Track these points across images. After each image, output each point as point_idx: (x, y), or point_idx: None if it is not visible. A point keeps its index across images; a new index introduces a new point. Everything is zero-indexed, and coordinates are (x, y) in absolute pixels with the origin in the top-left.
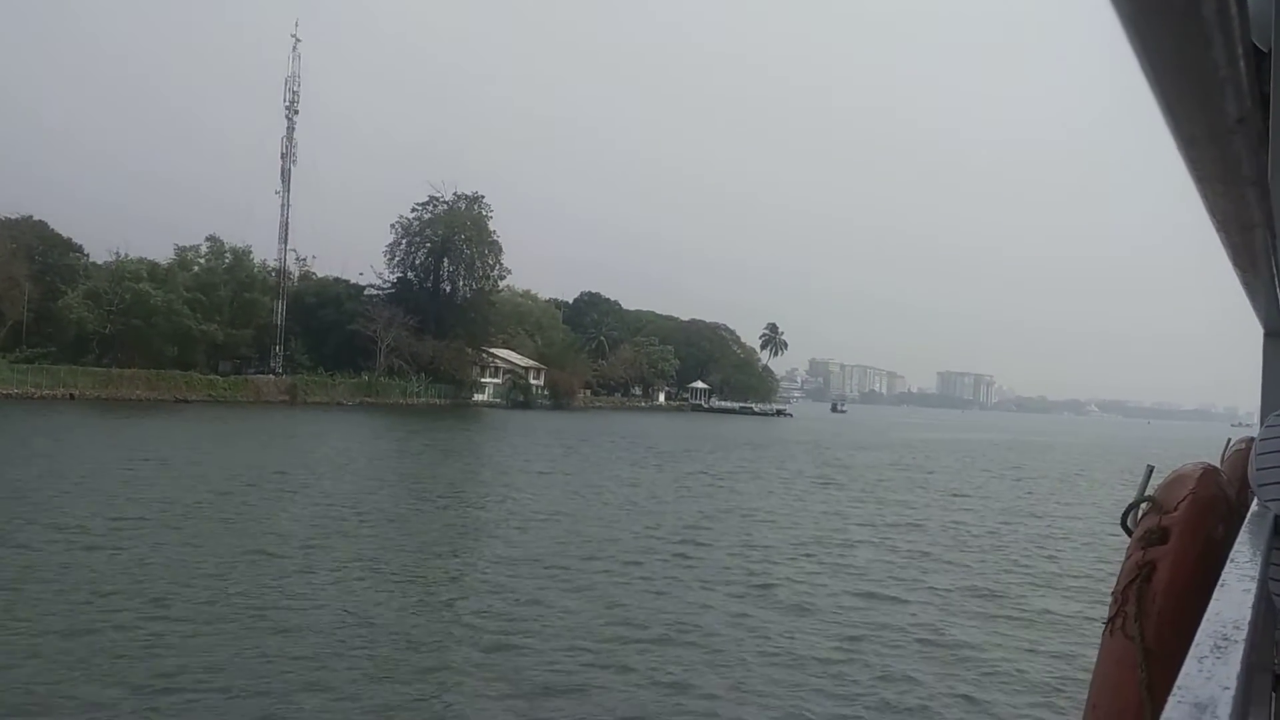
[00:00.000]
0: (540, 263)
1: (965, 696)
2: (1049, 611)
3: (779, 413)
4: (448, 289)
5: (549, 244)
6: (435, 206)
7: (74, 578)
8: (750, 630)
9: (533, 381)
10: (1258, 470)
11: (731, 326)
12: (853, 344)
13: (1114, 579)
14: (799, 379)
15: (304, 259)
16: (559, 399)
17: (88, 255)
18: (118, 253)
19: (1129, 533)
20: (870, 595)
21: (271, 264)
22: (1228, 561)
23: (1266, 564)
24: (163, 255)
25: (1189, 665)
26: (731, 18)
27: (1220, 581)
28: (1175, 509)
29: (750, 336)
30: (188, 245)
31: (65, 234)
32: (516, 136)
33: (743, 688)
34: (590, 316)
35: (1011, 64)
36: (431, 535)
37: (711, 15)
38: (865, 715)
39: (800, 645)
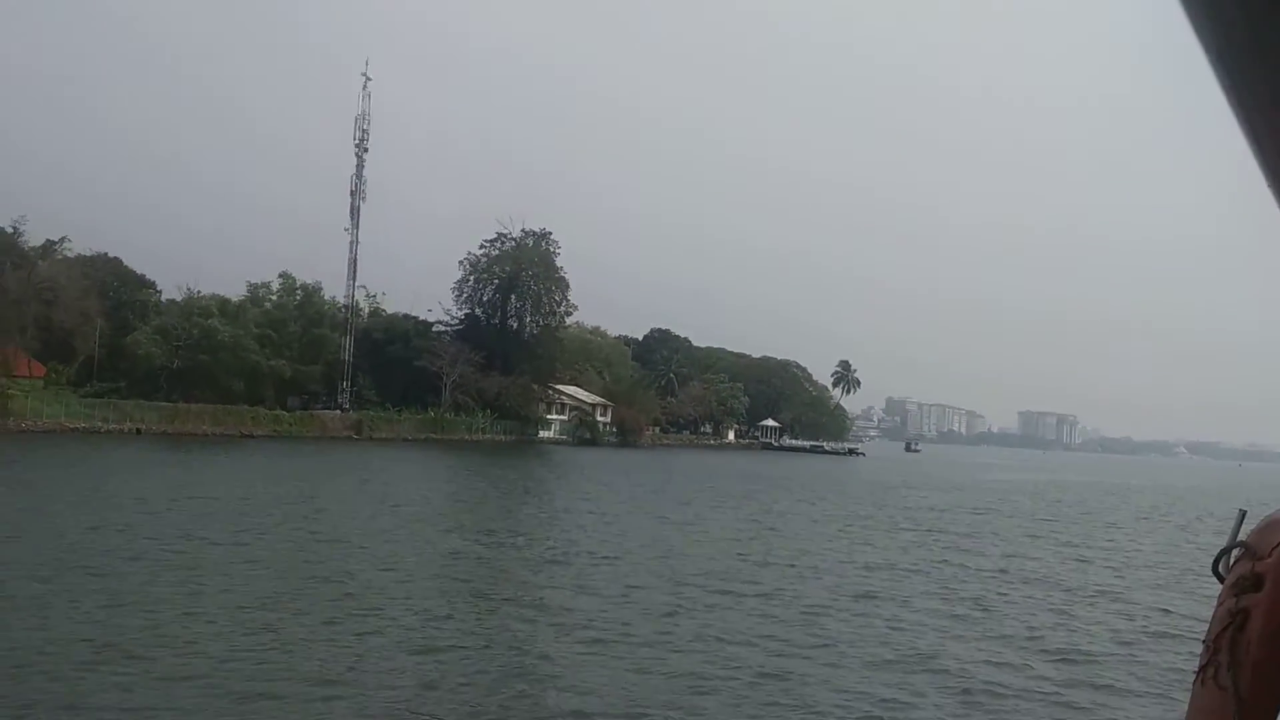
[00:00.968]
0: (611, 300)
1: None
2: (1136, 660)
3: (851, 451)
4: (515, 325)
5: (621, 281)
6: (503, 243)
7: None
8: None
9: (599, 418)
10: None
11: (804, 364)
12: (931, 382)
13: (1205, 627)
14: (875, 417)
15: (374, 295)
16: (626, 436)
17: (160, 292)
18: (189, 289)
19: (1221, 579)
20: (916, 652)
21: (342, 300)
22: None
23: None
24: (236, 292)
25: None
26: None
27: None
28: (1269, 555)
29: (823, 374)
30: (260, 282)
31: (140, 271)
32: (606, 158)
33: None
34: (660, 354)
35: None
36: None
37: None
38: None
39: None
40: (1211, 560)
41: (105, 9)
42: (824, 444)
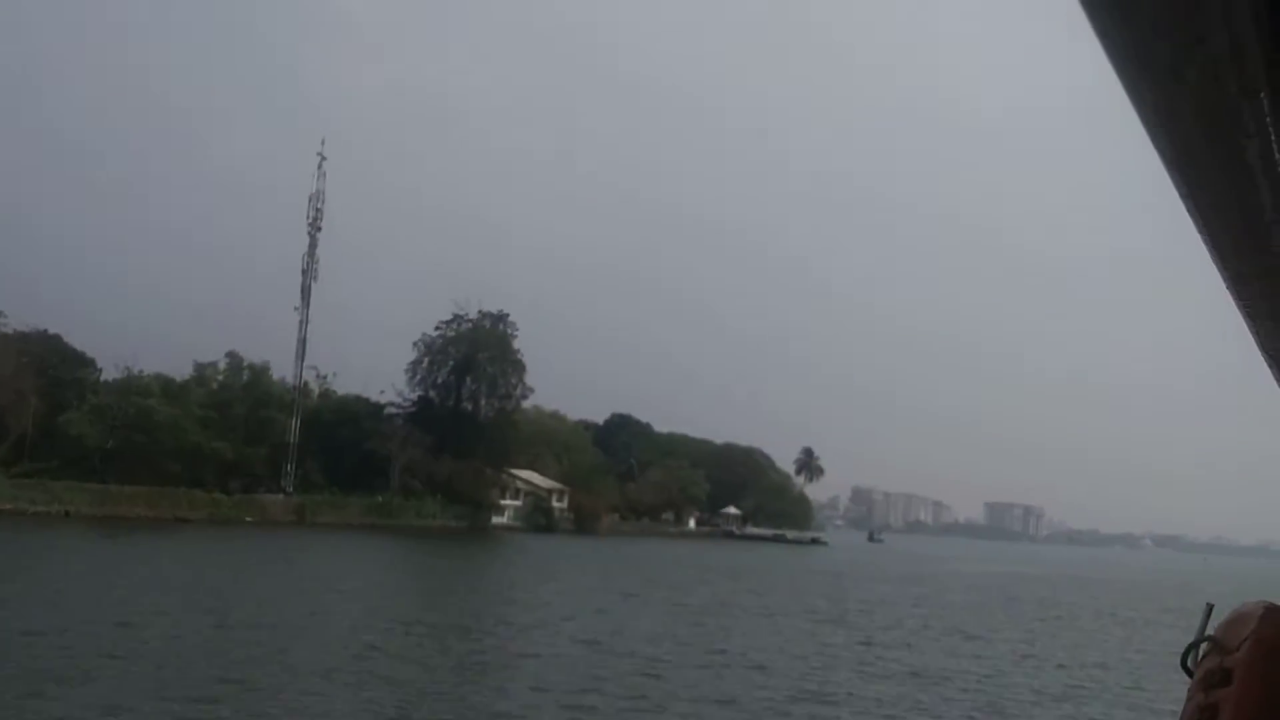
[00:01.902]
0: (572, 384)
1: None
2: None
3: (814, 540)
4: (469, 408)
5: (582, 365)
6: (459, 324)
7: None
8: None
9: (556, 504)
10: None
11: (770, 452)
12: (898, 472)
13: None
14: (840, 506)
15: (324, 376)
16: (583, 523)
17: (100, 370)
18: (129, 368)
19: (1190, 674)
20: None
21: (290, 381)
22: None
23: None
24: (181, 370)
25: None
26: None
27: None
28: (1237, 649)
29: (786, 461)
30: (206, 362)
31: (80, 348)
32: (553, 260)
33: None
34: (620, 439)
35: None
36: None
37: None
38: None
39: None
40: (1180, 655)
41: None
42: (786, 533)
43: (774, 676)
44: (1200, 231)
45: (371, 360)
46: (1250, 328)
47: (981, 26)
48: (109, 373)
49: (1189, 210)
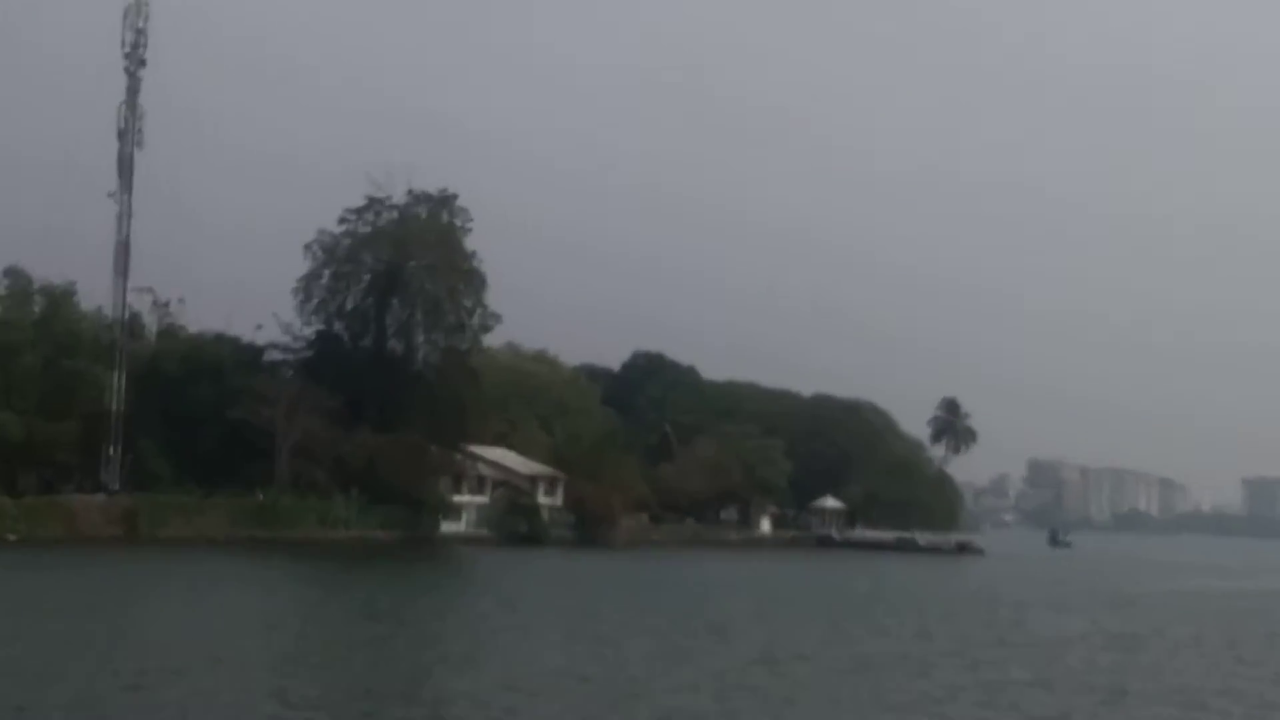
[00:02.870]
0: (569, 310)
1: None
2: None
3: (961, 547)
4: (398, 348)
5: (583, 283)
6: (377, 213)
7: None
8: None
9: (544, 500)
10: None
11: (887, 407)
12: (1103, 435)
13: None
14: (1011, 491)
15: (164, 304)
16: (590, 529)
17: None
18: None
19: None
20: None
21: (108, 312)
22: None
23: None
24: None
25: None
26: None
27: None
28: None
29: (918, 423)
30: None
31: None
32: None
33: None
34: (648, 392)
35: None
36: None
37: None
38: None
39: None
40: None
41: None
42: (916, 535)
43: None
44: None
45: (239, 277)
46: None
47: None
48: None
49: None
